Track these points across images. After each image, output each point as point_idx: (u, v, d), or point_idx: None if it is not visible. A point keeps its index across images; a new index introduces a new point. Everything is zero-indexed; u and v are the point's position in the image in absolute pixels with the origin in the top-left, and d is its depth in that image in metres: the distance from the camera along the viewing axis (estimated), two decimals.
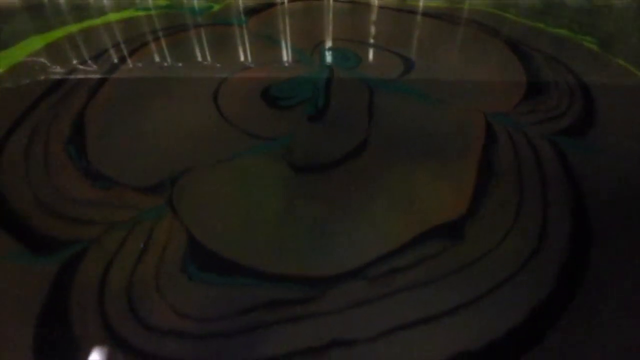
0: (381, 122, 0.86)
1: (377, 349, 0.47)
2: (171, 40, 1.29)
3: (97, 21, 1.44)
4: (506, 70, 1.10)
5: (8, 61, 1.13)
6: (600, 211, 0.64)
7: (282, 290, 0.53)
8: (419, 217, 0.63)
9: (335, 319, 0.50)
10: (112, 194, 0.68)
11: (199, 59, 1.18)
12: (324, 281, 0.54)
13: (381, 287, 0.53)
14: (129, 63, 1.14)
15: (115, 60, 1.14)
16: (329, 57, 1.18)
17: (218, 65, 1.14)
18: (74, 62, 1.13)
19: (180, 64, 1.14)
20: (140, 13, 1.53)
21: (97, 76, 1.05)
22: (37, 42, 1.26)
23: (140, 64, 1.13)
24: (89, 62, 1.14)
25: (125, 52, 1.19)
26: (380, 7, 1.61)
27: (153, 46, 1.25)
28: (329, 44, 1.28)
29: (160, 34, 1.34)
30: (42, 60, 1.14)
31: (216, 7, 1.60)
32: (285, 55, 1.21)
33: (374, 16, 1.54)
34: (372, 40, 1.32)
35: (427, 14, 1.53)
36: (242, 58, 1.19)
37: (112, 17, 1.48)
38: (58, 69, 1.08)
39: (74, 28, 1.38)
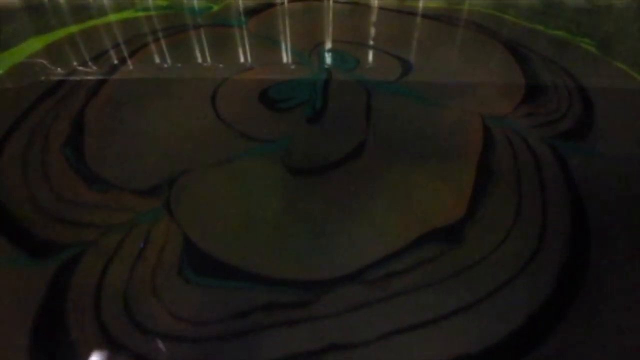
0: (379, 125, 0.86)
1: (375, 353, 0.46)
2: (170, 41, 1.29)
3: (97, 22, 1.44)
4: (505, 73, 1.10)
5: (8, 62, 1.13)
6: (600, 214, 0.64)
7: (279, 293, 0.53)
8: (417, 220, 0.63)
9: (333, 322, 0.49)
10: (109, 196, 0.68)
11: (199, 60, 1.18)
12: (320, 284, 0.54)
13: (379, 291, 0.53)
14: (129, 64, 1.14)
15: (115, 62, 1.14)
16: (327, 59, 1.18)
17: (217, 66, 1.14)
18: (74, 63, 1.13)
19: (179, 65, 1.14)
20: (140, 14, 1.53)
21: (97, 77, 1.05)
22: (37, 43, 1.26)
23: (139, 65, 1.13)
24: (89, 63, 1.14)
25: (125, 53, 1.19)
26: (380, 8, 1.60)
27: (153, 47, 1.25)
28: (328, 45, 1.28)
29: (160, 34, 1.34)
30: (42, 61, 1.14)
31: (215, 8, 1.60)
32: (284, 57, 1.21)
33: (373, 17, 1.54)
34: (371, 42, 1.32)
35: (426, 15, 1.53)
36: (241, 59, 1.19)
37: (112, 17, 1.48)
38: (58, 70, 1.08)
39: (74, 29, 1.38)
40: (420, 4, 1.64)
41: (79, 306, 0.51)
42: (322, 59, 1.18)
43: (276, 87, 1.01)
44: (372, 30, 1.42)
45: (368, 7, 1.63)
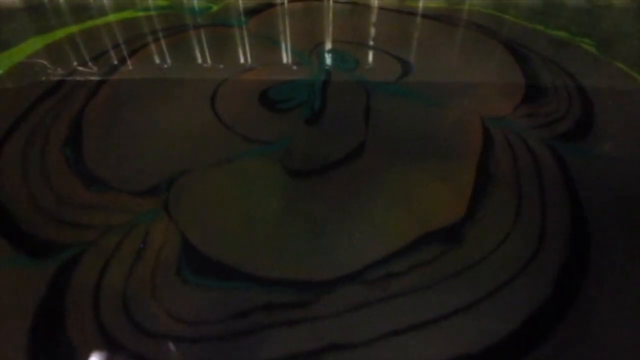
0: (379, 125, 0.86)
1: (375, 353, 0.46)
2: (170, 41, 1.29)
3: (97, 22, 1.44)
4: (505, 73, 1.10)
5: (8, 62, 1.13)
6: (600, 214, 0.64)
7: (279, 293, 0.53)
8: (417, 220, 0.63)
9: (333, 322, 0.49)
10: (108, 197, 0.68)
11: (198, 60, 1.18)
12: (320, 284, 0.54)
13: (379, 291, 0.53)
14: (129, 64, 1.14)
15: (115, 62, 1.14)
16: (327, 59, 1.18)
17: (217, 66, 1.14)
18: (74, 63, 1.13)
19: (179, 66, 1.14)
20: (140, 14, 1.53)
21: (97, 78, 1.05)
22: (37, 43, 1.26)
23: (139, 65, 1.13)
24: (89, 63, 1.14)
25: (125, 53, 1.19)
26: (380, 9, 1.60)
27: (152, 47, 1.25)
28: (327, 45, 1.28)
29: (160, 34, 1.34)
30: (42, 61, 1.14)
31: (215, 8, 1.60)
32: (284, 57, 1.21)
33: (373, 17, 1.54)
34: (371, 42, 1.32)
35: (426, 15, 1.53)
36: (241, 59, 1.19)
37: (112, 17, 1.48)
38: (58, 70, 1.08)
39: (74, 29, 1.38)
40: (420, 4, 1.64)
41: (77, 307, 0.51)
42: (322, 59, 1.18)
43: (276, 87, 1.01)
44: (372, 31, 1.42)
45: (368, 7, 1.63)
